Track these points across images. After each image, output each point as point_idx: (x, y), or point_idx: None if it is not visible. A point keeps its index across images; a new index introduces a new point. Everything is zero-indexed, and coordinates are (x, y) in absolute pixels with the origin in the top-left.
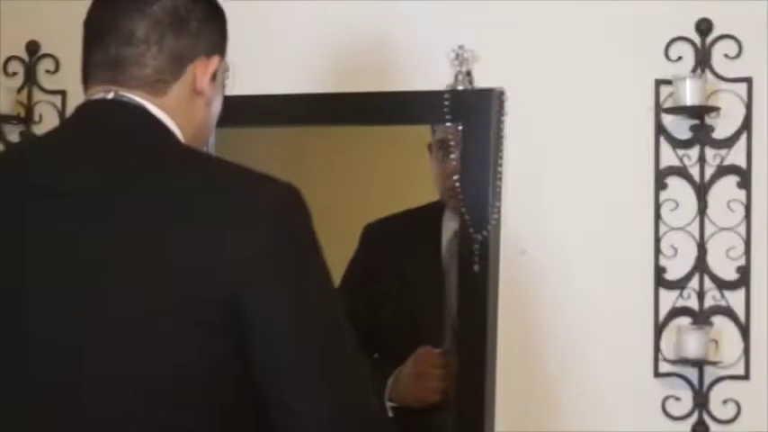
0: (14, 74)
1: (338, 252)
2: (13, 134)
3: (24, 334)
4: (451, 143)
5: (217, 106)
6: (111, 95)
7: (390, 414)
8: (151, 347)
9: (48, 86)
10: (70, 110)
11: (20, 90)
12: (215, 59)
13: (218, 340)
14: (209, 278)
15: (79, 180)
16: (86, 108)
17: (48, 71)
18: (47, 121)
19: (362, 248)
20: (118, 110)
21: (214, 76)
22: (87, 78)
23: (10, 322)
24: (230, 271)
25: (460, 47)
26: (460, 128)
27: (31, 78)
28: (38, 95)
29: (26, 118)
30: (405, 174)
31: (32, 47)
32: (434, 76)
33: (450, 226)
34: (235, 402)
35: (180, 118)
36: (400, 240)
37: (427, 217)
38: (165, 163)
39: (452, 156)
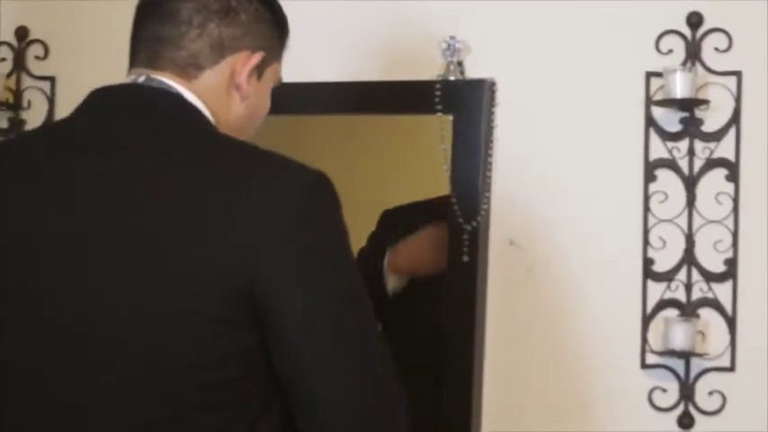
0: (3, 59)
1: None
2: (2, 120)
3: (43, 322)
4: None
5: (257, 107)
6: (142, 79)
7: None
8: (172, 335)
9: (36, 72)
10: (59, 96)
11: (9, 76)
12: (258, 55)
13: (238, 327)
14: (232, 264)
15: (103, 167)
16: (113, 93)
17: (37, 57)
18: (35, 107)
19: (379, 232)
20: (145, 93)
21: (260, 75)
22: (131, 58)
23: (29, 310)
24: (252, 256)
25: (452, 37)
26: (451, 118)
27: (19, 64)
28: (27, 81)
29: (15, 104)
30: (411, 164)
31: (21, 32)
32: (426, 67)
33: None
34: (255, 392)
35: (212, 105)
36: (416, 228)
37: (444, 208)
38: (193, 148)
39: (442, 146)
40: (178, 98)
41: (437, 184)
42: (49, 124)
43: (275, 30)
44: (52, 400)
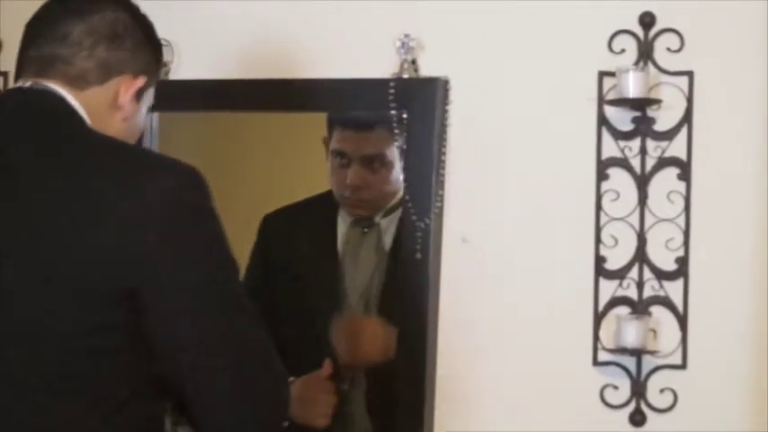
0: None
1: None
2: None
3: None
4: (347, 153)
5: (135, 126)
6: (29, 84)
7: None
8: (51, 324)
9: None
10: None
11: None
12: (140, 80)
13: (121, 307)
14: (112, 260)
15: None
16: (2, 96)
17: None
18: None
19: (261, 240)
20: (29, 94)
21: (139, 97)
22: (19, 71)
23: None
24: (131, 253)
25: (406, 35)
26: (405, 116)
27: None
28: None
29: None
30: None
31: None
32: (380, 65)
33: (345, 219)
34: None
35: (94, 118)
36: (297, 230)
37: (324, 206)
38: (72, 147)
39: (399, 161)
40: (61, 100)
41: (321, 181)
42: None
43: (154, 57)
44: None
